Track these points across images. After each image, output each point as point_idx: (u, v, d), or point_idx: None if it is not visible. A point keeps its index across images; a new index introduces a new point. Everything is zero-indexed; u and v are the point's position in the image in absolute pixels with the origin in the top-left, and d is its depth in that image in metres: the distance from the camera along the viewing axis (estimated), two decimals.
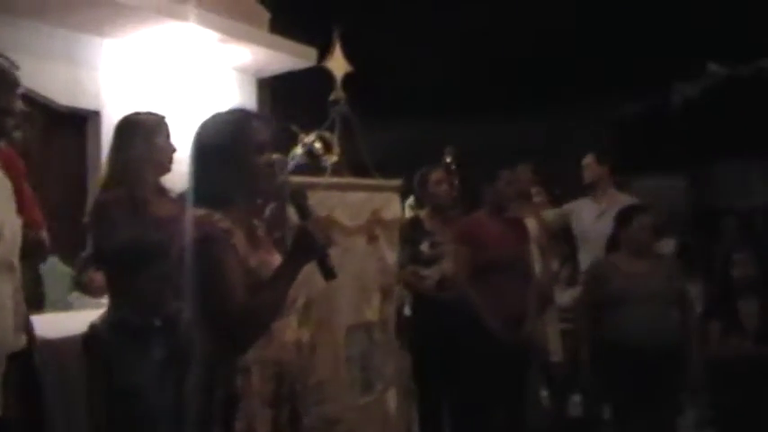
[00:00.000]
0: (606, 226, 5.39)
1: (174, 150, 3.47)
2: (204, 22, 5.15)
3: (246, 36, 5.62)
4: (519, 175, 4.82)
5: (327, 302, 3.41)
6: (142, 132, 3.37)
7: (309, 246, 2.29)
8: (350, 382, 3.54)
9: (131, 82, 5.26)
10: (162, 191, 3.46)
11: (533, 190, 5.93)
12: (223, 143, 2.36)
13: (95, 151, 5.03)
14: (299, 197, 2.40)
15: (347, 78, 4.02)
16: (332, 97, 3.96)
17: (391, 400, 3.87)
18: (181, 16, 4.98)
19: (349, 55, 4.03)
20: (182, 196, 2.54)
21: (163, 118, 3.49)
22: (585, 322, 4.65)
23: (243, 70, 6.22)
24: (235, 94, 6.17)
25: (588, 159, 5.77)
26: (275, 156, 2.55)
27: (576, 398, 5.88)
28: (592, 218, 5.60)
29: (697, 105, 10.56)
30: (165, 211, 3.29)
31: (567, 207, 5.89)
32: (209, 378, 2.27)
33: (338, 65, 3.96)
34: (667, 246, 5.91)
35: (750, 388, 4.30)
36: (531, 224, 5.24)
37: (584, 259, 5.55)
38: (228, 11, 5.51)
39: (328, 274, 2.33)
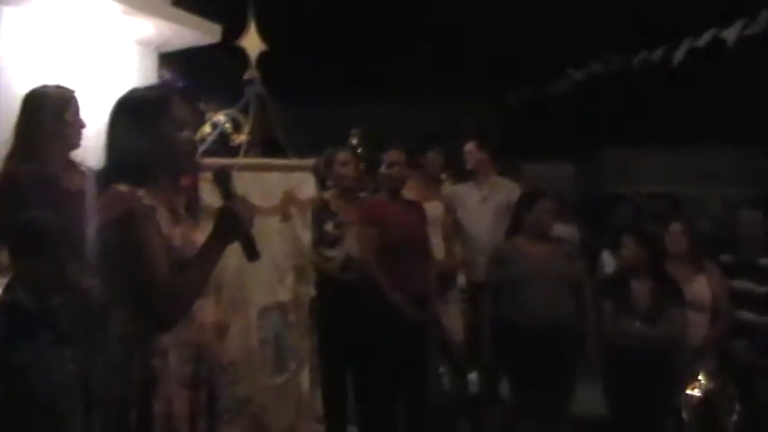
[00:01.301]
0: (488, 210, 5.62)
1: (83, 126, 3.39)
2: None
3: (149, 9, 5.44)
4: (397, 157, 4.86)
5: (240, 283, 3.40)
6: (50, 106, 3.29)
7: (234, 226, 2.30)
8: (263, 362, 3.55)
9: (30, 52, 5.02)
10: (72, 165, 3.38)
11: (443, 175, 6.06)
12: (146, 118, 2.34)
13: None
14: (223, 177, 2.40)
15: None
16: (246, 76, 3.92)
17: (305, 379, 3.90)
18: None
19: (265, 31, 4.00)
20: (98, 171, 2.48)
21: (72, 92, 3.41)
22: (488, 302, 4.82)
23: (145, 44, 6.01)
24: (135, 68, 5.98)
25: (470, 146, 5.93)
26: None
27: (473, 376, 6.06)
28: (474, 203, 5.78)
29: (584, 93, 10.90)
30: (76, 186, 3.23)
31: (449, 191, 6.04)
32: (126, 360, 2.25)
33: (252, 43, 3.92)
34: (567, 231, 6.14)
35: (639, 367, 4.52)
36: (438, 207, 5.36)
37: (467, 242, 5.71)
38: None
39: (252, 254, 2.35)
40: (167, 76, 6.59)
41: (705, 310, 4.78)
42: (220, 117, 3.83)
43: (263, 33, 4.00)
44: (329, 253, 4.87)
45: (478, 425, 5.65)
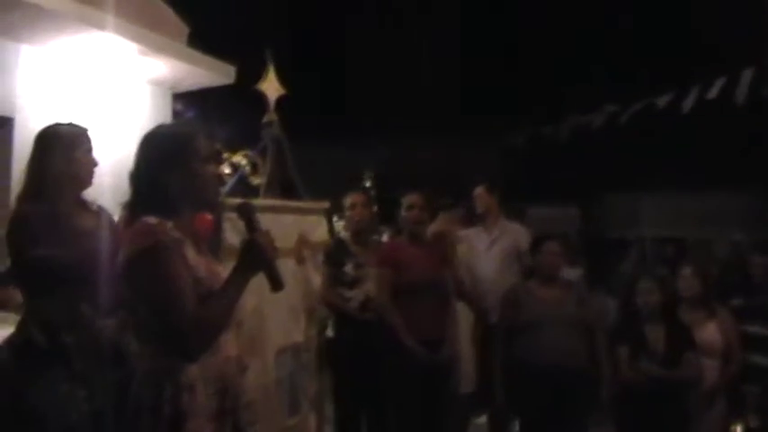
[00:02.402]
0: (497, 254, 5.63)
1: (95, 164, 3.40)
2: (123, 32, 5.03)
3: (165, 49, 5.51)
4: (416, 200, 4.87)
5: (258, 323, 3.41)
6: (62, 145, 3.27)
7: (258, 257, 2.36)
8: (279, 402, 3.54)
9: (47, 89, 5.09)
10: (84, 204, 3.38)
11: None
12: (175, 153, 2.40)
13: (5, 158, 4.83)
14: (247, 211, 2.46)
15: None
16: (265, 119, 3.97)
17: (313, 421, 3.89)
18: (100, 25, 4.85)
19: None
20: (126, 204, 2.50)
21: (85, 131, 3.39)
22: (501, 344, 4.81)
23: (158, 84, 6.10)
24: (149, 108, 6.04)
25: (479, 190, 5.95)
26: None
27: (483, 419, 6.01)
28: (483, 246, 5.79)
29: (590, 138, 10.98)
30: (88, 225, 3.23)
31: (461, 234, 6.04)
32: (156, 395, 2.27)
33: (272, 87, 3.97)
34: (573, 274, 6.15)
35: (657, 409, 4.49)
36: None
37: (476, 285, 5.63)
38: (147, 23, 5.40)
39: (276, 284, 2.40)
40: (179, 108, 6.66)
41: (716, 355, 4.73)
42: (239, 158, 3.87)
43: (280, 77, 4.06)
44: (348, 294, 4.88)
45: None
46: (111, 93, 5.61)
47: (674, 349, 4.58)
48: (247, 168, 3.81)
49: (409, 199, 4.76)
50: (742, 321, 4.92)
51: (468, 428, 5.51)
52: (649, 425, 4.49)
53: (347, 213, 5.14)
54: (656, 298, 4.68)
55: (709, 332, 4.76)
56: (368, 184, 5.82)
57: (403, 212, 4.78)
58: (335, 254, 4.77)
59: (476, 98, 11.53)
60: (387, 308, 4.56)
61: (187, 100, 6.95)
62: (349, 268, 4.89)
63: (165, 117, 6.05)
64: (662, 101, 8.29)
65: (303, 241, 3.87)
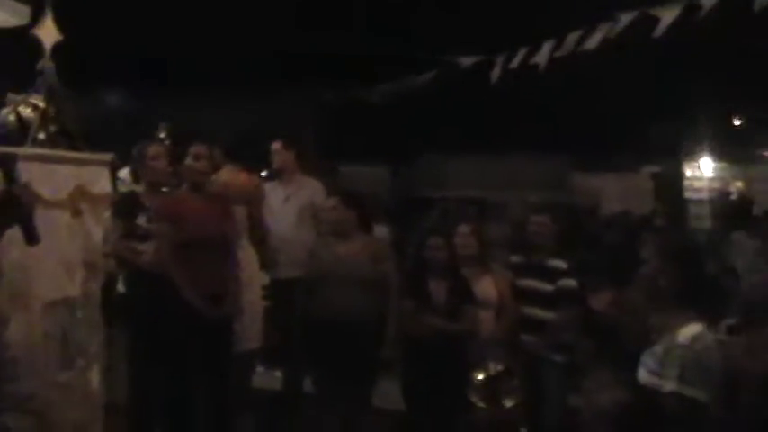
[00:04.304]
0: (292, 209, 5.72)
1: None
2: None
3: None
4: (202, 151, 4.83)
5: (22, 276, 3.30)
6: None
7: (15, 209, 2.36)
8: (47, 357, 3.45)
9: None
10: None
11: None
12: None
13: None
14: (7, 162, 2.50)
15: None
16: (39, 66, 3.78)
17: (94, 377, 3.81)
18: None
19: (62, 21, 3.86)
20: None
21: None
22: (299, 297, 4.92)
23: None
24: None
25: (276, 145, 6.00)
26: None
27: (278, 373, 6.10)
28: (278, 201, 5.84)
29: (404, 99, 11.19)
30: None
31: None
32: None
33: (48, 33, 3.78)
34: (379, 231, 6.32)
35: (439, 360, 4.72)
36: None
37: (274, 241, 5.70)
38: None
39: (31, 238, 2.42)
40: None
41: (491, 308, 5.04)
42: (18, 100, 3.67)
43: (63, 23, 3.87)
44: (141, 247, 4.76)
45: (283, 419, 5.69)
46: None
47: (455, 303, 4.83)
48: (33, 115, 3.60)
49: (195, 150, 4.72)
50: (522, 277, 5.26)
51: (250, 383, 5.54)
52: (431, 375, 4.71)
53: (145, 165, 5.02)
54: (443, 254, 4.90)
55: (485, 286, 5.05)
56: (162, 135, 5.67)
57: (187, 162, 4.74)
58: (126, 206, 4.67)
59: (294, 58, 11.45)
60: (166, 262, 4.52)
61: None
62: (142, 221, 4.78)
63: None
64: (466, 61, 8.49)
65: (81, 193, 3.74)
